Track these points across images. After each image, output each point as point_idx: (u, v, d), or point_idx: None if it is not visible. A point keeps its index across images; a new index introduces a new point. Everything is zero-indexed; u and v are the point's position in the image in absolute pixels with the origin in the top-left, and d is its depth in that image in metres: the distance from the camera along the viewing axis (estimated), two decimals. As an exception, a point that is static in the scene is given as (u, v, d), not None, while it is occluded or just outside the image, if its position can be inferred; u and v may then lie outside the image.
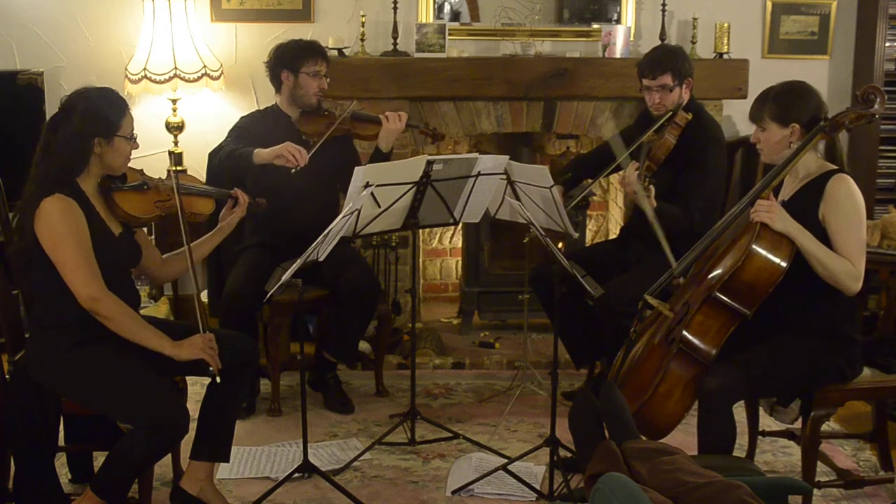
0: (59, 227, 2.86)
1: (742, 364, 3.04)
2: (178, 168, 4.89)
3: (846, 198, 3.03)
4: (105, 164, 3.01)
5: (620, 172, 3.87)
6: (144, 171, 3.22)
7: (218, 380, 3.00)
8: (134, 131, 3.05)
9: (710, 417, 3.04)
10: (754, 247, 3.01)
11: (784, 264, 3.01)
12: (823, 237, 3.02)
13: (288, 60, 4.12)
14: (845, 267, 2.98)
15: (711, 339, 3.08)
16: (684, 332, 3.08)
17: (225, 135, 4.19)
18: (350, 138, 4.26)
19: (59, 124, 2.94)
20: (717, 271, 3.09)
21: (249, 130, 4.13)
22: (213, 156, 4.13)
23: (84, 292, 2.87)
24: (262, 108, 4.43)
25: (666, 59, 3.98)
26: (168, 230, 4.34)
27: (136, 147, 3.08)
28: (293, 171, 3.84)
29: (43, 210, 2.86)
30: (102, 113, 2.96)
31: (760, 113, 3.18)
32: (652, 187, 3.73)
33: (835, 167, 3.12)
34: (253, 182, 3.90)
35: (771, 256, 3.01)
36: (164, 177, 3.25)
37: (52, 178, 2.90)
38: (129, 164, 3.12)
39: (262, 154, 3.88)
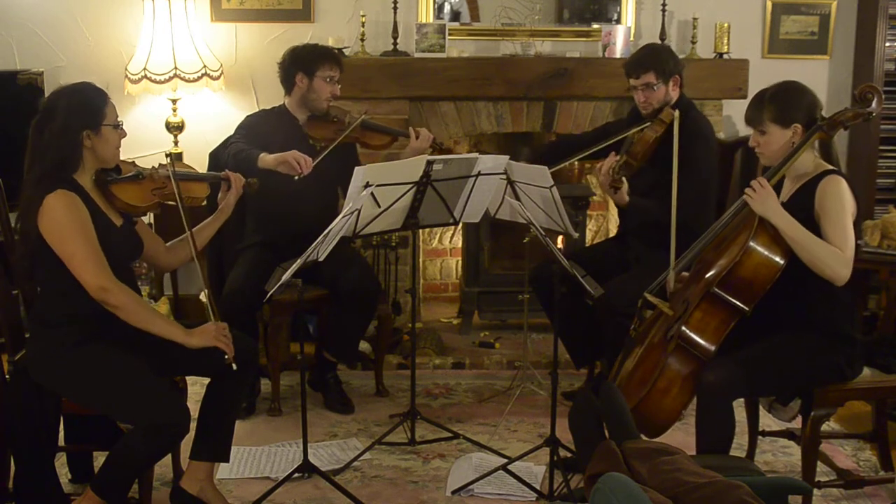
0: (64, 220, 2.86)
1: (741, 360, 3.05)
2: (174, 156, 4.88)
3: (833, 194, 3.04)
4: (98, 156, 3.00)
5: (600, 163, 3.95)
6: (136, 163, 3.23)
7: (234, 367, 3.01)
8: (119, 118, 3.05)
9: (708, 413, 3.05)
10: (751, 244, 3.03)
11: (782, 261, 3.03)
12: (819, 237, 3.03)
13: (305, 63, 4.11)
14: (831, 250, 2.97)
15: (711, 335, 3.09)
16: (683, 328, 3.10)
17: (225, 135, 4.19)
18: (353, 143, 4.26)
19: (44, 125, 2.93)
20: (716, 267, 3.11)
21: (256, 130, 4.12)
22: (219, 152, 4.14)
23: (94, 282, 2.87)
24: (266, 107, 4.43)
25: (648, 58, 4.01)
26: (167, 220, 4.32)
27: (124, 135, 3.07)
28: (296, 178, 3.84)
29: (46, 206, 2.86)
30: (85, 105, 2.96)
31: (759, 116, 3.16)
32: (624, 180, 3.78)
33: (830, 167, 3.13)
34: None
35: (768, 253, 3.04)
36: (157, 166, 3.26)
37: (48, 176, 2.90)
38: (123, 159, 3.13)
39: (266, 160, 3.87)
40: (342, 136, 4.05)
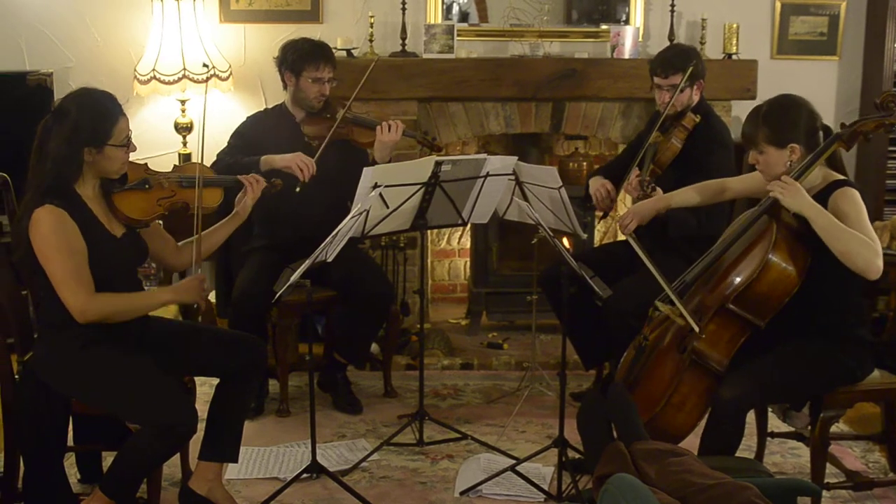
0: (49, 238, 2.83)
1: (755, 374, 3.01)
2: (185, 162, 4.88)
3: (849, 203, 2.98)
4: (99, 170, 2.96)
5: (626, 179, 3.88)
6: (149, 165, 3.17)
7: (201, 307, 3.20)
8: (130, 136, 2.99)
9: (721, 426, 3.01)
10: (771, 257, 2.97)
11: (800, 276, 2.98)
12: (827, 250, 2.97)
13: (290, 62, 4.08)
14: (863, 239, 2.90)
15: (723, 348, 3.06)
16: (695, 344, 3.06)
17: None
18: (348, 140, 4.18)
19: (51, 129, 2.89)
20: (732, 281, 3.05)
21: (250, 136, 4.11)
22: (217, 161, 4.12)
23: (71, 303, 2.84)
24: (269, 106, 4.42)
25: (679, 60, 3.96)
26: (175, 227, 4.33)
27: (133, 150, 3.01)
28: (298, 189, 3.83)
29: (34, 221, 2.84)
30: (92, 123, 2.88)
31: (755, 137, 3.10)
32: (659, 190, 3.72)
33: (839, 177, 3.08)
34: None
35: (787, 266, 2.98)
36: (167, 172, 3.20)
37: (45, 187, 2.86)
38: (133, 160, 3.08)
39: (271, 161, 3.88)
40: (331, 132, 3.98)
